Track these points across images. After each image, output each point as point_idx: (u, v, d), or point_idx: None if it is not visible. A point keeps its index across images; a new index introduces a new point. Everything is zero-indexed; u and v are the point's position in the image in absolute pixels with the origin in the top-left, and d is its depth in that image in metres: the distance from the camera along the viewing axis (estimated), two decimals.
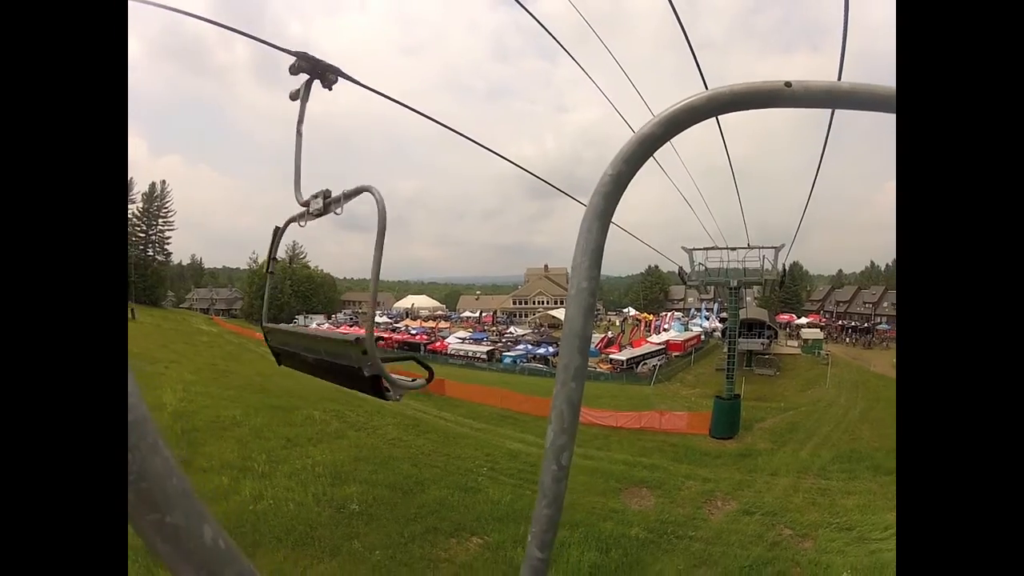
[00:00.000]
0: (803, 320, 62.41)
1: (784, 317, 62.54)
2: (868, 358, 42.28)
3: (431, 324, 67.26)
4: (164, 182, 74.57)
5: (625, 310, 76.07)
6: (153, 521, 0.45)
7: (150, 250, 72.47)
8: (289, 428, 19.20)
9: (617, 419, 23.28)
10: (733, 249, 25.68)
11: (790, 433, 23.03)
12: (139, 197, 71.63)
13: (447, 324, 70.32)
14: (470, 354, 46.98)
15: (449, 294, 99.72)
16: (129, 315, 46.98)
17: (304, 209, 2.72)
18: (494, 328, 66.44)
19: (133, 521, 0.45)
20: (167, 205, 74.17)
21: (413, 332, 59.48)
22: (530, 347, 49.20)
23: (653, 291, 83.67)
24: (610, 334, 52.51)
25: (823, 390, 32.28)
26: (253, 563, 0.54)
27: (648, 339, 50.30)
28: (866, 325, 61.06)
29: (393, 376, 2.41)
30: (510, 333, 60.67)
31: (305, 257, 79.55)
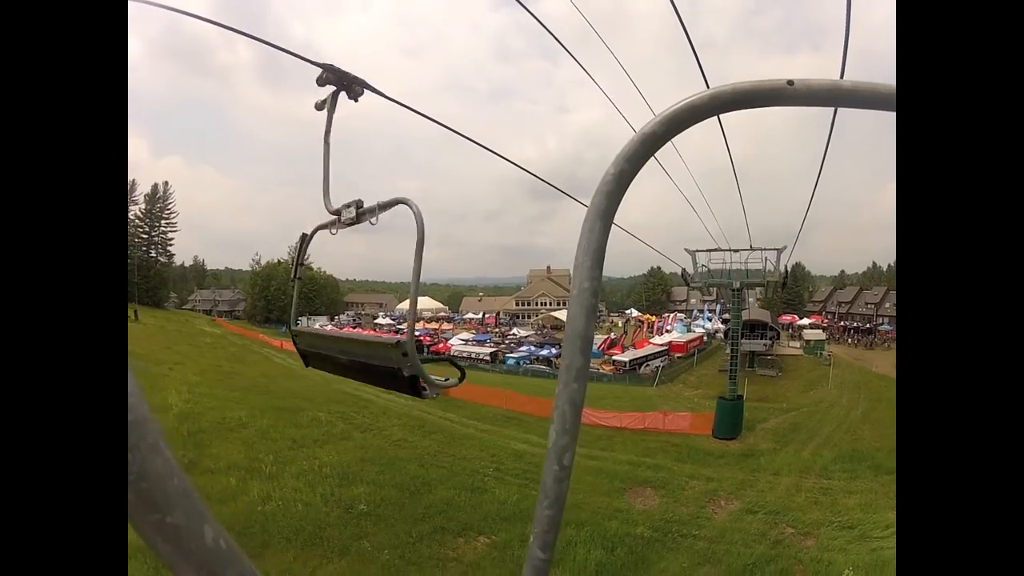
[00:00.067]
0: (805, 321, 62.29)
1: (786, 318, 62.50)
2: (870, 359, 42.20)
3: (434, 326, 67.29)
4: (166, 183, 74.97)
5: (628, 311, 76.08)
6: (154, 521, 0.45)
7: (153, 251, 72.74)
8: (295, 429, 19.25)
9: (621, 420, 23.27)
10: (736, 251, 25.70)
11: (792, 433, 23.04)
12: (141, 198, 71.90)
13: (450, 326, 70.34)
14: (473, 356, 46.92)
15: (452, 295, 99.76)
16: (132, 316, 47.12)
17: (335, 218, 2.77)
18: (497, 330, 66.44)
19: (134, 521, 0.45)
20: (169, 206, 74.47)
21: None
22: (533, 348, 49.16)
23: (655, 292, 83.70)
24: (613, 335, 52.44)
25: (825, 391, 32.24)
26: (255, 563, 0.54)
27: (651, 340, 50.23)
28: (868, 326, 60.95)
29: (429, 376, 2.55)
30: (513, 335, 60.62)
31: (308, 258, 79.38)
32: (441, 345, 51.44)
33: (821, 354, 43.55)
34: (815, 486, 16.63)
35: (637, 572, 11.36)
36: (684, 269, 27.09)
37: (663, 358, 42.98)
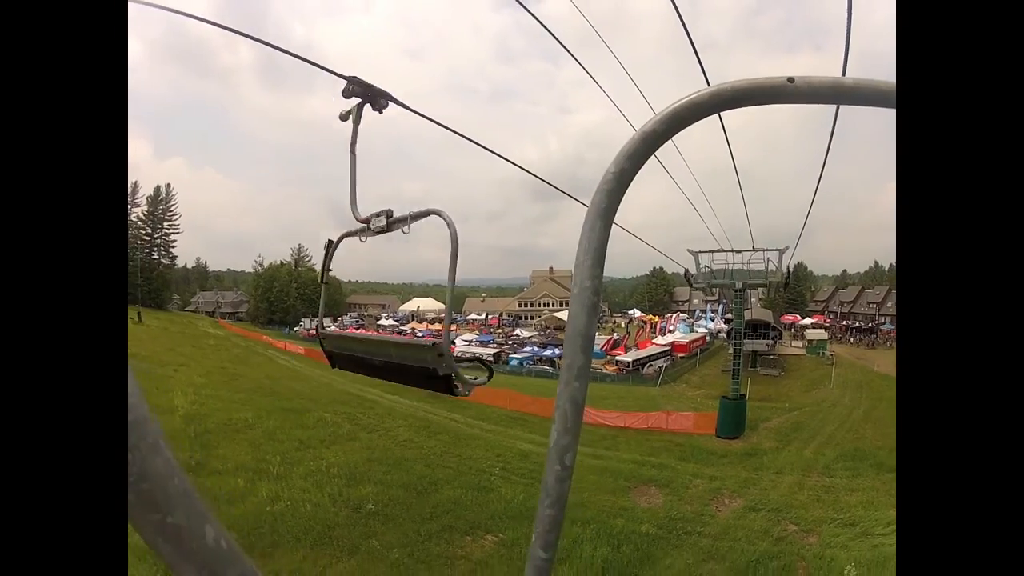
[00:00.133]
0: (807, 321, 62.10)
1: (788, 318, 62.29)
2: (872, 358, 41.99)
3: (437, 327, 67.24)
4: (169, 185, 75.01)
5: (630, 312, 75.97)
6: (155, 521, 0.45)
7: (155, 253, 72.79)
8: (301, 430, 19.32)
9: (624, 420, 23.28)
10: (738, 251, 25.71)
11: (795, 432, 23.05)
12: (144, 200, 72.04)
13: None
14: (477, 356, 46.78)
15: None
16: (136, 318, 47.20)
17: (363, 225, 2.85)
18: (500, 330, 66.37)
19: (134, 521, 0.45)
20: (172, 208, 74.56)
21: (420, 335, 59.51)
22: (536, 349, 49.08)
23: (658, 293, 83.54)
24: (615, 336, 52.37)
25: (827, 390, 32.15)
26: (265, 563, 0.54)
27: (653, 340, 50.12)
28: (870, 325, 60.67)
29: (463, 375, 2.70)
30: (516, 335, 60.56)
31: (311, 260, 79.59)
32: None
33: (823, 354, 43.38)
34: (817, 484, 16.71)
35: (643, 569, 11.45)
36: (687, 269, 27.11)
37: (666, 358, 42.84)
